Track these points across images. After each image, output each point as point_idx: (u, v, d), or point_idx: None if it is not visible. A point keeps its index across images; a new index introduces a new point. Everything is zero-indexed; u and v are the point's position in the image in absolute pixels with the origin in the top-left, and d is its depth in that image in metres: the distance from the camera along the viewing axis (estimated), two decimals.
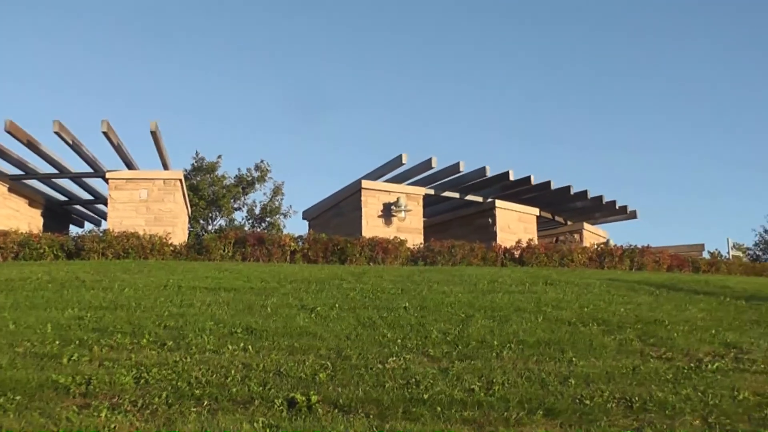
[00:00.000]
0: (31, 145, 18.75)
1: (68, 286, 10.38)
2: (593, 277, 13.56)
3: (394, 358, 6.89)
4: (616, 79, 70.51)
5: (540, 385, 6.25)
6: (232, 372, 6.35)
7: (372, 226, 20.49)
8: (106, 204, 21.01)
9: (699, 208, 69.69)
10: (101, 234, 16.74)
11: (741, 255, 31.90)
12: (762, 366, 7.06)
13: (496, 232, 22.59)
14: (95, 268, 12.78)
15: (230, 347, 7.10)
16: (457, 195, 23.73)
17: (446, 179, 22.48)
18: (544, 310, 9.29)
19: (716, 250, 31.24)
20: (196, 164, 33.91)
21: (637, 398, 5.97)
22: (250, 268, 13.36)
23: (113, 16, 63.87)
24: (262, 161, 35.22)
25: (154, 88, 66.16)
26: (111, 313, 8.43)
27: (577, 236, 26.04)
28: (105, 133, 18.12)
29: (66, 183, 23.37)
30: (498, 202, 23.08)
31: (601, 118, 71.17)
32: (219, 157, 34.16)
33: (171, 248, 16.78)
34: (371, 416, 5.51)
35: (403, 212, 20.97)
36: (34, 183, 22.10)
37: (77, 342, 7.15)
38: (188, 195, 26.01)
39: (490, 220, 23.07)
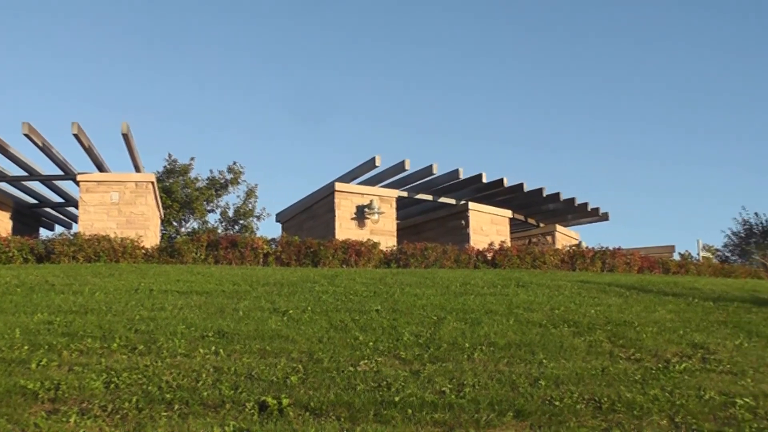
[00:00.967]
0: (0, 148, 18.55)
1: (38, 290, 10.28)
2: (565, 279, 13.65)
3: (366, 361, 6.91)
4: (589, 81, 71.07)
5: (510, 387, 6.29)
6: (203, 376, 6.33)
7: (345, 229, 20.48)
8: (77, 207, 20.86)
9: (671, 210, 70.40)
10: (72, 237, 16.62)
11: (711, 256, 32.19)
12: (728, 366, 7.17)
13: (469, 234, 22.67)
14: (65, 271, 12.68)
15: (201, 351, 7.08)
16: (430, 197, 23.77)
17: (419, 181, 22.52)
18: (515, 312, 9.34)
19: (687, 251, 31.53)
20: (168, 166, 33.74)
21: (605, 399, 6.03)
22: (223, 271, 13.32)
23: (84, 17, 63.41)
24: (234, 163, 35.17)
25: (127, 90, 65.71)
26: (81, 318, 8.37)
27: (549, 238, 26.20)
28: (76, 135, 17.97)
29: (36, 186, 23.17)
30: (471, 205, 23.15)
31: (574, 120, 71.68)
32: (192, 159, 34.10)
33: (143, 251, 16.70)
34: (342, 419, 5.52)
35: (376, 215, 20.99)
36: (4, 186, 21.86)
37: (46, 347, 7.08)
38: (161, 197, 25.88)
39: (463, 222, 23.14)
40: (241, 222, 34.86)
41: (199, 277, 12.03)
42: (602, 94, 71.19)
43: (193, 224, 33.92)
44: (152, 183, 20.21)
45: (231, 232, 33.06)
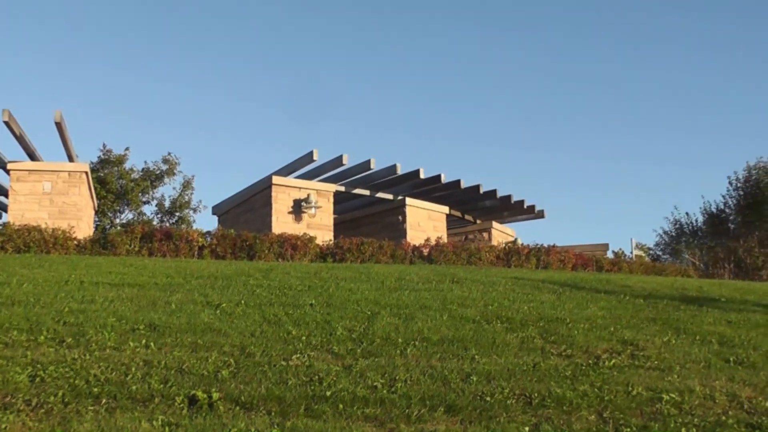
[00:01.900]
0: None
1: None
2: (499, 275, 13.78)
3: (298, 355, 6.88)
4: (527, 77, 71.78)
5: (442, 383, 6.33)
6: (133, 369, 6.23)
7: (282, 222, 20.39)
8: (7, 196, 20.34)
9: (606, 209, 71.52)
10: (1, 227, 16.21)
11: (643, 255, 32.83)
12: (656, 362, 7.33)
13: (406, 229, 22.72)
14: None
15: (131, 344, 6.96)
16: (367, 192, 23.82)
17: (357, 176, 22.53)
18: (449, 307, 9.40)
19: (620, 249, 32.03)
20: (103, 156, 33.05)
21: (536, 394, 6.11)
22: (156, 264, 13.13)
23: (21, 6, 61.83)
24: (169, 154, 34.60)
25: (61, 80, 64.32)
26: (7, 309, 8.15)
27: (485, 235, 26.39)
28: (6, 123, 17.53)
29: None
30: (408, 200, 23.22)
31: (512, 117, 72.38)
32: (127, 149, 33.39)
33: (75, 242, 16.37)
34: (273, 413, 5.49)
35: (313, 209, 20.93)
36: None
37: None
38: (95, 188, 25.40)
39: (400, 217, 23.20)
40: (178, 214, 34.40)
41: (132, 270, 11.84)
42: (541, 91, 72.04)
43: (128, 216, 33.39)
44: (86, 173, 19.80)
45: (167, 225, 32.62)
